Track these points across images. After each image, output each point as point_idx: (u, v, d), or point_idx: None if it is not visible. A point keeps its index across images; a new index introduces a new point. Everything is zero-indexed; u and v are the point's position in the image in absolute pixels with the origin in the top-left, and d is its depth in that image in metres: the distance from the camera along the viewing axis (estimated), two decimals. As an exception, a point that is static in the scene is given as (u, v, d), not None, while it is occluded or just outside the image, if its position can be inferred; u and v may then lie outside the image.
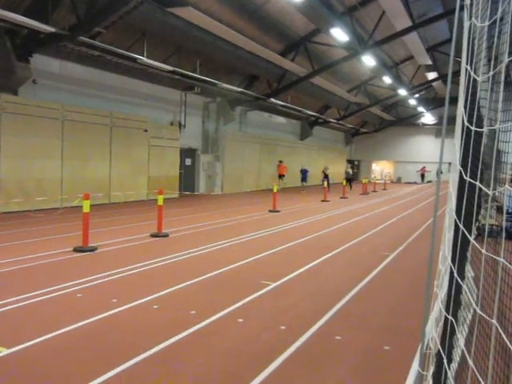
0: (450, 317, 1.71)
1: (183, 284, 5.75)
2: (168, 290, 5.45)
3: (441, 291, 2.33)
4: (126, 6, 10.81)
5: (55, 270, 6.34)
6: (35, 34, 11.36)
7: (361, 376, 3.47)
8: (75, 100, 14.22)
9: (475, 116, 1.85)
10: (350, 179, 26.12)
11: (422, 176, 39.52)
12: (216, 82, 17.60)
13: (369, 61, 19.11)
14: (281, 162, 24.19)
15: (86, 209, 7.48)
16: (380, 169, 42.28)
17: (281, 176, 23.92)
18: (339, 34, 15.51)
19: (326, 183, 20.41)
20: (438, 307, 2.40)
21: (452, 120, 2.72)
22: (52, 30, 10.82)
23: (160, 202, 9.19)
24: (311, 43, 18.97)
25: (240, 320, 4.52)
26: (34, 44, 11.85)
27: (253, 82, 20.74)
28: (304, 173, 25.16)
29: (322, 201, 18.85)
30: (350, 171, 27.13)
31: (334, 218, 13.49)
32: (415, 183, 38.61)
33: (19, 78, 11.94)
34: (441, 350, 1.74)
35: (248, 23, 16.10)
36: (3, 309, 4.63)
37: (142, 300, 5.04)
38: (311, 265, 7.09)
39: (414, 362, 3.61)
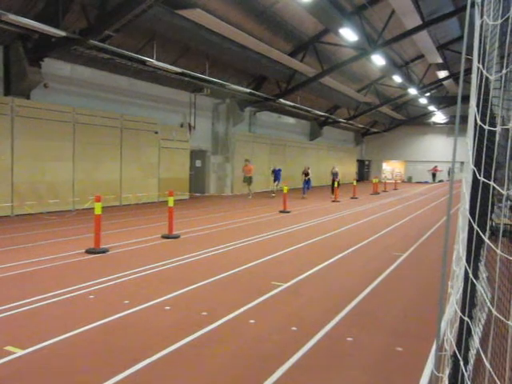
0: (465, 318, 1.70)
1: (195, 285, 5.76)
2: (180, 291, 5.47)
3: (455, 292, 2.31)
4: (136, 9, 10.89)
5: (68, 271, 6.40)
6: (46, 39, 11.50)
7: (373, 378, 3.45)
8: (86, 103, 14.35)
9: (488, 115, 1.83)
10: (336, 181, 20.86)
11: (434, 175, 39.19)
12: (225, 83, 17.64)
13: (378, 60, 19.00)
14: (247, 161, 20.14)
15: (98, 211, 7.54)
16: (390, 168, 42.02)
17: (247, 178, 19.77)
18: (348, 34, 15.45)
19: (336, 183, 19.98)
20: (452, 308, 2.38)
21: (464, 119, 2.69)
22: (63, 34, 10.94)
23: (171, 204, 9.23)
24: (320, 43, 18.92)
25: (252, 321, 4.52)
26: (45, 48, 11.99)
27: (262, 83, 20.74)
28: (277, 173, 20.78)
29: (333, 201, 18.79)
30: (336, 171, 21.34)
31: (345, 218, 13.43)
32: (426, 183, 38.28)
33: (31, 82, 12.09)
34: (457, 352, 1.72)
35: (256, 24, 16.11)
36: (17, 310, 4.68)
37: (154, 301, 5.06)
38: (322, 265, 7.07)
39: (428, 364, 3.57)
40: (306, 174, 20.46)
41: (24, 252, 7.55)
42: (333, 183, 20.63)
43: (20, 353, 3.65)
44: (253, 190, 20.05)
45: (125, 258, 7.33)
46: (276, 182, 20.74)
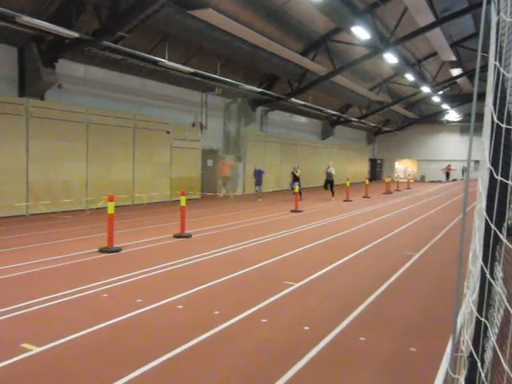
0: (482, 319, 1.67)
1: (207, 284, 5.78)
2: (192, 291, 5.49)
3: (471, 292, 2.28)
4: (148, 10, 10.96)
5: (82, 270, 6.47)
6: (60, 40, 11.64)
7: (386, 378, 3.43)
8: (99, 103, 14.48)
9: (506, 113, 1.80)
10: (331, 182, 19.36)
11: (447, 174, 38.75)
12: (236, 82, 17.66)
13: (391, 58, 18.85)
14: (224, 159, 18.60)
15: (111, 210, 7.60)
16: (403, 168, 41.67)
17: (224, 178, 18.09)
18: (360, 32, 15.34)
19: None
20: (468, 309, 2.35)
21: (479, 117, 2.65)
22: (76, 35, 11.05)
23: (183, 203, 9.27)
24: (332, 42, 18.83)
25: (264, 320, 4.52)
26: (59, 49, 12.13)
27: (273, 82, 20.71)
28: (259, 174, 18.62)
29: (345, 200, 18.69)
30: (332, 171, 19.40)
31: (357, 217, 13.35)
32: (440, 182, 37.89)
33: (45, 83, 12.24)
34: (474, 353, 1.70)
35: (268, 23, 16.09)
36: (33, 308, 4.75)
37: (167, 300, 5.09)
38: (334, 265, 7.04)
39: (442, 365, 3.54)
40: (297, 175, 18.23)
41: (39, 251, 7.65)
42: (326, 183, 19.31)
43: (36, 350, 3.71)
44: (231, 192, 17.95)
45: (137, 257, 7.38)
46: (257, 187, 18.52)
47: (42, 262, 6.79)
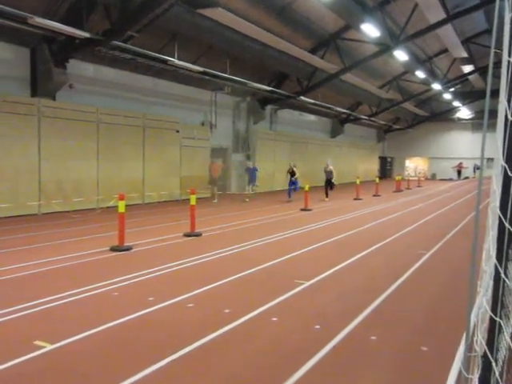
0: (497, 318, 1.66)
1: (217, 283, 5.80)
2: (202, 289, 5.50)
3: (485, 291, 2.26)
4: (157, 9, 11.01)
5: (93, 269, 6.53)
6: (71, 40, 11.73)
7: (398, 378, 3.41)
8: (109, 103, 14.58)
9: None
10: (330, 181, 18.15)
11: (459, 172, 38.37)
12: (246, 81, 17.66)
13: (401, 56, 18.71)
14: (213, 159, 17.65)
15: (122, 209, 7.66)
16: (414, 166, 41.35)
17: (213, 179, 16.96)
18: (370, 30, 15.25)
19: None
20: (482, 308, 2.33)
21: (492, 114, 2.61)
22: (87, 35, 11.14)
23: (193, 202, 9.30)
24: (341, 40, 18.74)
25: (274, 319, 4.52)
26: (70, 50, 12.23)
27: (283, 81, 20.67)
28: (252, 172, 17.91)
29: (355, 199, 18.61)
30: (332, 169, 18.20)
31: (367, 216, 13.28)
32: (451, 180, 37.54)
33: (57, 83, 12.35)
34: (488, 353, 1.69)
35: (277, 21, 16.06)
36: (45, 306, 4.80)
37: (178, 298, 5.11)
38: (344, 264, 7.01)
39: (455, 364, 3.51)
40: (292, 174, 17.54)
41: (50, 249, 7.73)
42: (326, 183, 18.09)
43: (49, 347, 3.75)
44: (217, 193, 17.02)
45: (148, 256, 7.43)
46: (251, 185, 17.76)
47: (53, 261, 6.86)
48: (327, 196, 17.83)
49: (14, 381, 3.22)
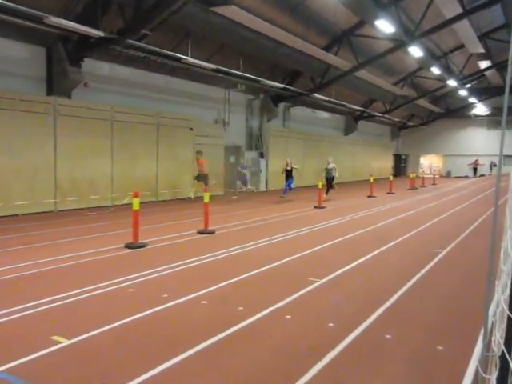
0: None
1: (230, 280, 5.82)
2: (216, 286, 5.53)
3: (503, 290, 2.23)
4: (171, 8, 11.05)
5: (108, 265, 6.60)
6: (86, 39, 11.84)
7: (413, 377, 3.38)
8: (123, 101, 14.69)
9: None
10: (331, 179, 16.88)
11: (475, 170, 37.81)
12: (259, 78, 17.63)
13: (416, 52, 18.47)
14: (199, 153, 15.84)
15: (136, 206, 7.72)
16: (428, 163, 40.87)
17: (201, 176, 15.47)
18: (384, 26, 15.07)
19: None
20: (499, 307, 2.29)
21: (510, 110, 2.57)
22: (101, 34, 11.23)
23: (206, 200, 9.33)
24: (355, 36, 18.58)
25: (288, 316, 4.52)
26: (84, 49, 12.35)
27: (296, 78, 20.58)
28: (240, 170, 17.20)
29: (368, 196, 18.48)
30: (333, 167, 16.95)
31: (381, 213, 13.18)
32: (466, 177, 37.02)
33: (72, 81, 12.49)
34: (505, 353, 1.66)
35: (290, 18, 15.98)
36: (62, 302, 4.87)
37: (191, 295, 5.14)
38: (359, 261, 6.97)
39: (471, 364, 3.47)
40: (289, 171, 16.51)
41: (66, 246, 7.84)
42: (327, 180, 16.89)
43: (66, 342, 3.81)
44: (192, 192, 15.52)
45: (162, 253, 7.48)
46: (241, 183, 17.03)
47: (69, 258, 6.95)
48: (327, 192, 16.74)
49: (33, 374, 3.28)
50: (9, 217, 10.95)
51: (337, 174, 16.97)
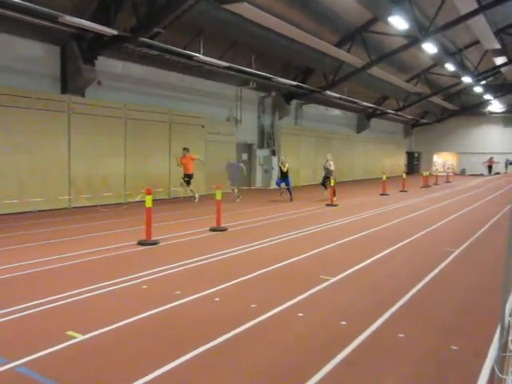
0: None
1: (243, 277, 5.83)
2: (229, 283, 5.55)
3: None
4: (183, 6, 11.07)
5: (121, 262, 6.67)
6: (99, 38, 11.94)
7: (426, 377, 3.35)
8: (136, 99, 14.78)
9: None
10: (329, 178, 15.37)
11: (489, 167, 37.27)
12: (271, 76, 17.59)
13: (430, 48, 18.25)
14: (186, 150, 14.48)
15: (149, 204, 7.77)
16: (442, 161, 40.39)
17: (187, 176, 14.38)
18: (398, 22, 14.92)
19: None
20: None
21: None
22: (115, 32, 11.31)
23: (218, 197, 9.36)
24: (368, 33, 18.41)
25: (300, 314, 4.52)
26: (98, 47, 12.45)
27: (308, 75, 20.50)
28: (233, 169, 15.56)
29: (381, 194, 18.35)
30: (331, 166, 15.88)
31: (394, 211, 13.08)
32: (481, 175, 36.51)
33: (86, 79, 12.60)
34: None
35: (302, 15, 15.91)
36: (76, 298, 4.93)
37: (204, 292, 5.17)
38: (371, 259, 6.93)
39: (486, 364, 3.43)
40: (284, 170, 15.63)
41: (80, 243, 7.93)
42: (324, 180, 16.15)
43: (81, 337, 3.86)
44: (195, 192, 14.70)
45: (175, 250, 7.53)
46: (232, 184, 15.52)
47: (82, 254, 7.03)
48: (326, 188, 15.83)
49: (47, 369, 3.33)
50: (24, 213, 11.12)
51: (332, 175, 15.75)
